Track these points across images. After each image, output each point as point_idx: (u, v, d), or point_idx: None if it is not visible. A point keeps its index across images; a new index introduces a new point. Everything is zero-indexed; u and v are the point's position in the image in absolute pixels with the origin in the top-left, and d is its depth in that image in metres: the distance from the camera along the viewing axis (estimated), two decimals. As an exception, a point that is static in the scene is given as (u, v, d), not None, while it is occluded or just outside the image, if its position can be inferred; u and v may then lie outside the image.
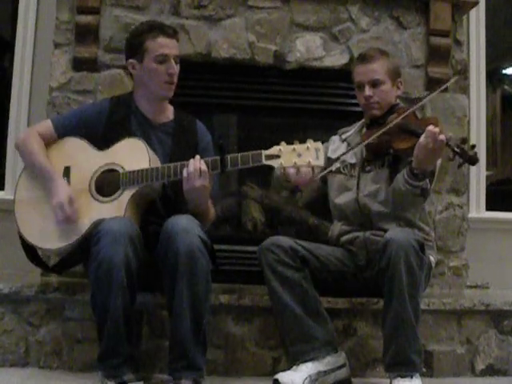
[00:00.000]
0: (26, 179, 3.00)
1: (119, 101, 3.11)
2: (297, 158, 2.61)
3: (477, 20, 4.64)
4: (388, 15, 3.94)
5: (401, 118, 2.89)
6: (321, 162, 2.62)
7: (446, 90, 3.90)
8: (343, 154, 3.03)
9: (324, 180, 3.18)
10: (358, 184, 3.08)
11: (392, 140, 2.91)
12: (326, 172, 2.95)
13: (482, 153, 4.58)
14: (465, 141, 2.69)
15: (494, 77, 5.10)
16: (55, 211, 2.82)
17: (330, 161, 3.09)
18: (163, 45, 2.94)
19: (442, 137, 2.67)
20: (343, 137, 3.21)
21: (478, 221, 4.46)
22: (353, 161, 3.11)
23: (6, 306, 3.02)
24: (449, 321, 3.21)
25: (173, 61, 2.95)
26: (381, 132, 2.89)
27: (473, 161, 2.67)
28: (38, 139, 2.98)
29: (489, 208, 4.62)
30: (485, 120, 4.66)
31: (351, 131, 3.22)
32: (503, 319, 3.25)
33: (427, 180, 2.80)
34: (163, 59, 2.94)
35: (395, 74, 3.11)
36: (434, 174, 2.92)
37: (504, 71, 5.37)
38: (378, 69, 3.05)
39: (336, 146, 3.23)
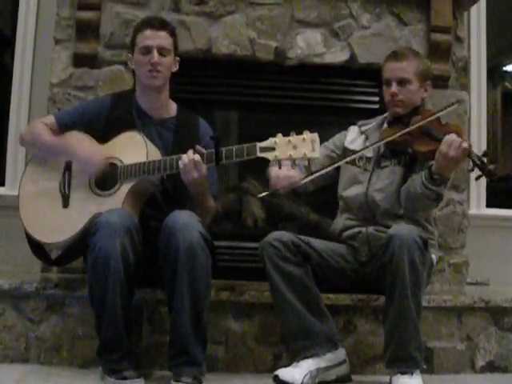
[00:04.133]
0: (29, 173, 3.03)
1: (121, 97, 3.14)
2: (292, 150, 2.59)
3: (477, 17, 4.64)
4: (389, 12, 3.93)
5: (426, 121, 2.89)
6: (316, 153, 2.60)
7: (446, 87, 3.92)
8: (362, 149, 3.02)
9: (337, 168, 3.17)
10: (369, 178, 3.08)
11: (413, 141, 2.92)
12: (309, 179, 2.94)
13: (482, 150, 4.56)
14: (486, 154, 2.70)
15: (494, 74, 5.10)
16: (85, 171, 2.88)
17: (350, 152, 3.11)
18: (147, 37, 2.98)
19: (464, 145, 2.68)
20: (362, 129, 3.21)
21: (479, 218, 4.47)
22: (369, 154, 3.10)
23: (7, 302, 3.02)
24: (449, 318, 3.21)
25: (155, 51, 2.95)
26: (404, 132, 2.90)
27: (491, 175, 2.69)
28: (44, 127, 3.02)
29: (489, 205, 4.63)
30: (485, 117, 4.67)
31: (371, 124, 3.21)
32: (503, 316, 3.25)
33: (443, 185, 2.81)
34: (146, 50, 2.97)
35: (424, 77, 3.09)
36: (450, 179, 2.92)
37: (504, 68, 5.37)
38: (407, 68, 3.03)
39: (353, 136, 3.23)
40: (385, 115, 3.21)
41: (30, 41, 4.33)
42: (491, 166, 2.67)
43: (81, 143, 2.93)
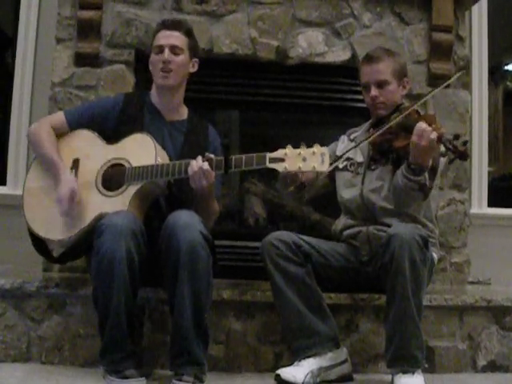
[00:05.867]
0: (35, 169, 3.03)
1: (134, 97, 3.15)
2: (302, 162, 2.60)
3: (479, 16, 4.64)
4: (390, 11, 3.93)
5: (401, 116, 2.89)
6: (325, 167, 2.61)
7: (448, 86, 3.91)
8: (348, 150, 3.03)
9: (331, 177, 3.19)
10: (362, 180, 3.08)
11: (393, 138, 2.92)
12: (332, 167, 2.95)
13: (483, 149, 4.59)
14: (457, 137, 2.70)
15: (496, 73, 5.09)
16: (57, 205, 2.84)
17: (336, 157, 3.10)
18: (160, 37, 3.03)
19: (433, 135, 2.67)
20: (351, 137, 3.23)
21: (480, 217, 4.47)
22: (360, 159, 3.12)
23: (8, 301, 3.02)
24: (450, 317, 3.21)
25: (167, 50, 2.99)
26: (380, 131, 2.89)
27: (463, 156, 2.68)
28: (50, 130, 3.01)
29: (491, 204, 4.63)
30: (487, 116, 4.67)
31: (359, 131, 3.22)
32: (505, 315, 3.25)
33: (426, 175, 2.80)
34: (159, 50, 3.01)
35: (401, 74, 3.11)
36: (436, 171, 2.91)
37: (506, 67, 5.36)
38: (383, 69, 3.04)
39: (345, 145, 3.23)
40: (370, 120, 3.22)
41: (32, 40, 4.33)
42: (462, 148, 2.67)
43: (68, 174, 2.88)
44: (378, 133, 2.90)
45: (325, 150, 2.61)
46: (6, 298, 3.02)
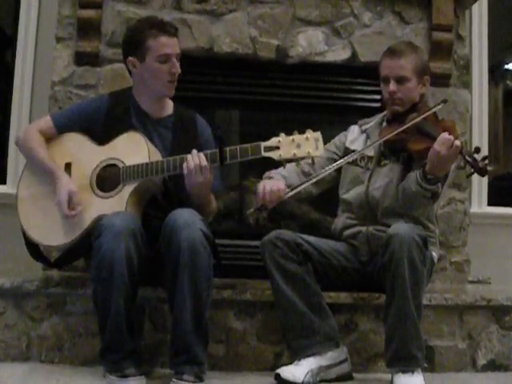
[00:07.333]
0: (28, 175, 3.00)
1: (118, 96, 3.10)
2: (296, 148, 2.61)
3: (479, 15, 4.64)
4: (390, 10, 3.93)
5: (420, 118, 2.88)
6: (320, 151, 2.62)
7: (448, 85, 3.91)
8: (363, 148, 3.03)
9: (339, 171, 3.17)
10: (370, 177, 3.07)
11: (408, 139, 2.90)
12: (294, 192, 2.92)
13: (483, 148, 4.58)
14: (478, 150, 2.68)
15: (496, 72, 5.09)
16: (58, 209, 2.83)
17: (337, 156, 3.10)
18: (165, 44, 2.91)
19: (456, 144, 2.66)
20: (363, 128, 3.20)
21: (480, 216, 4.47)
22: (370, 154, 3.10)
23: (8, 300, 3.02)
24: (450, 316, 3.21)
25: (175, 60, 2.94)
26: (398, 131, 2.88)
27: (483, 172, 2.68)
28: (38, 136, 2.98)
29: (491, 203, 4.63)
30: (487, 115, 4.67)
31: (371, 123, 3.19)
32: (505, 314, 3.25)
33: (439, 184, 2.80)
34: (166, 59, 2.92)
35: (422, 72, 3.06)
36: (447, 177, 2.90)
37: (506, 66, 5.36)
38: (405, 65, 3.00)
39: (355, 136, 3.21)
40: (384, 113, 3.20)
41: (32, 39, 4.33)
42: (482, 163, 2.66)
43: (65, 177, 2.87)
44: (395, 133, 2.89)
45: (318, 134, 2.61)
46: (5, 297, 3.02)
